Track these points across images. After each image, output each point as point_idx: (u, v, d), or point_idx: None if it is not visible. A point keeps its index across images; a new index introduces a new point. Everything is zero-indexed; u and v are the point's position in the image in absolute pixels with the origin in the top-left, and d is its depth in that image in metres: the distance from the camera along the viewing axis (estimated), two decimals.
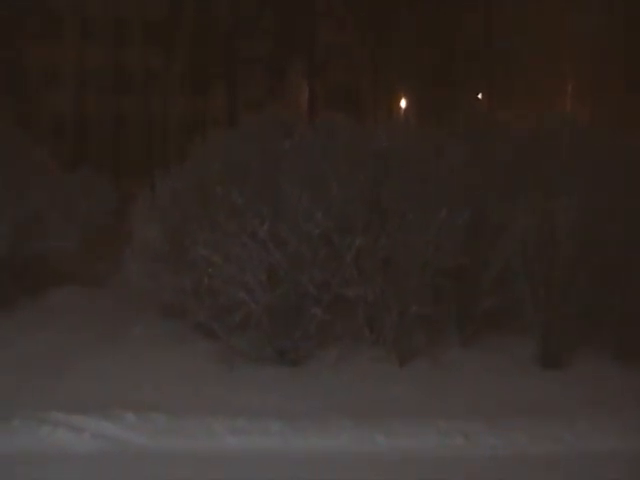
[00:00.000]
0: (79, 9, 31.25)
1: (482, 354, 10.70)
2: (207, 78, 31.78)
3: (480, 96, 34.05)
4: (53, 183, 13.91)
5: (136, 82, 32.14)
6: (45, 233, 13.38)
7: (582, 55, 31.91)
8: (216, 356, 10.20)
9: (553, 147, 11.45)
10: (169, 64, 31.52)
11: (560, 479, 7.70)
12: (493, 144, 11.67)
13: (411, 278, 10.27)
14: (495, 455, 8.06)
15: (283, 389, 9.49)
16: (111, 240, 13.80)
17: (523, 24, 32.18)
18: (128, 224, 12.23)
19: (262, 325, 10.21)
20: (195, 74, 32.05)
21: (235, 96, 31.00)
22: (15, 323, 11.94)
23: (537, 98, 30.96)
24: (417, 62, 32.58)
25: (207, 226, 10.20)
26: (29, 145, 14.08)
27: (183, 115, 32.06)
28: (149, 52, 31.59)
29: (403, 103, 34.53)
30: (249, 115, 14.74)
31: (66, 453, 7.82)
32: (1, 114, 13.50)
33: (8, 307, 12.50)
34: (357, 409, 8.81)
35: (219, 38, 31.17)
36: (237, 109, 30.12)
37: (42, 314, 12.56)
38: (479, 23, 32.92)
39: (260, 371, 10.01)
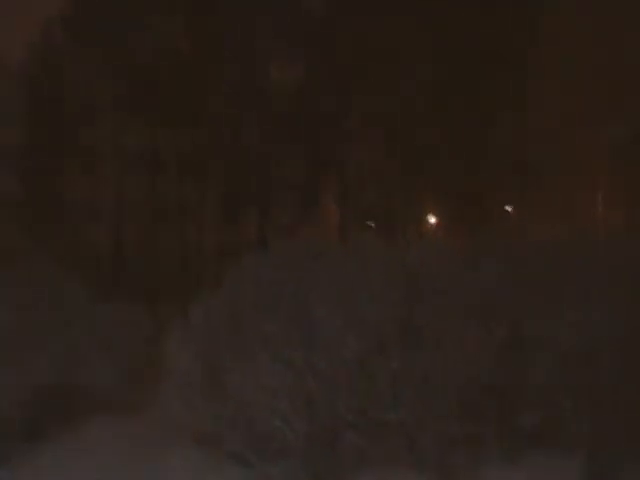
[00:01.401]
0: (114, 142, 32.25)
1: (526, 472, 10.32)
2: (239, 204, 32.32)
3: (510, 208, 34.18)
4: (89, 313, 14.06)
5: (170, 210, 32.76)
6: (81, 362, 13.46)
7: (613, 163, 32.07)
8: None
9: (587, 258, 11.38)
10: (202, 191, 32.16)
11: None
12: (525, 257, 11.62)
13: (449, 396, 10.08)
14: None
15: None
16: (146, 368, 13.77)
17: (553, 134, 32.50)
18: (163, 352, 12.22)
19: (297, 451, 10.02)
20: (227, 200, 32.63)
21: (267, 221, 31.40)
22: (51, 455, 11.83)
23: (568, 208, 31.00)
24: (445, 177, 32.91)
25: (241, 354, 10.18)
26: (66, 275, 14.35)
27: (216, 242, 32.47)
28: (182, 180, 32.31)
29: (433, 219, 34.76)
30: (280, 240, 14.91)
31: None
32: (40, 245, 13.94)
33: (42, 439, 12.43)
34: None
35: (251, 164, 31.86)
36: (268, 234, 30.45)
37: (78, 444, 12.44)
38: (508, 134, 33.31)
39: None
